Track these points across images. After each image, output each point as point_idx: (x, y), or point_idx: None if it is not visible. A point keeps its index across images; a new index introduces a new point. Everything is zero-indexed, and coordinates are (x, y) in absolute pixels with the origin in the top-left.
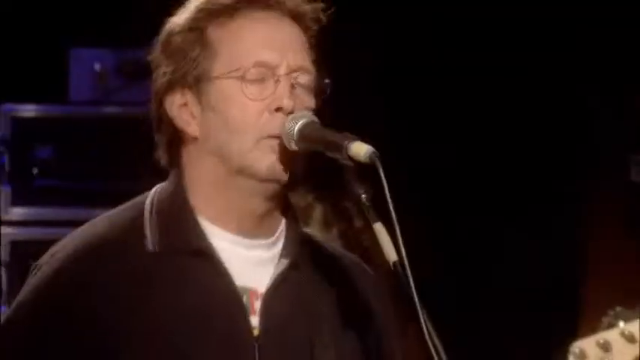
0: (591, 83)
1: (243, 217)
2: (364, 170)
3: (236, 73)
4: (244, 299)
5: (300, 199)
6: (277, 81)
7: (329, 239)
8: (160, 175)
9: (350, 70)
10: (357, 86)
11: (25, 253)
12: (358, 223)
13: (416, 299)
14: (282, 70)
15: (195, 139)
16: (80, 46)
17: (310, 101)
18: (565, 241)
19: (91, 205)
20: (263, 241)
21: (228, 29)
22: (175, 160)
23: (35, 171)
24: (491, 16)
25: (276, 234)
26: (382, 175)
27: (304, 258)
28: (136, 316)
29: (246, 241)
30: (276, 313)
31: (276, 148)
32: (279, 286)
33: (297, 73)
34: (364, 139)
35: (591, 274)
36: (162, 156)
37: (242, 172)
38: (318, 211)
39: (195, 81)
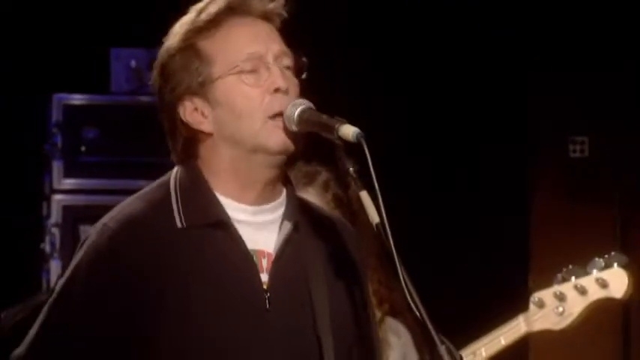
0: (535, 72)
1: (254, 188)
2: (352, 148)
3: (234, 69)
4: (255, 259)
5: (307, 165)
6: (268, 68)
7: (324, 199)
8: None
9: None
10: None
11: (73, 216)
12: (351, 192)
13: (395, 255)
14: (269, 58)
15: (209, 134)
16: (119, 46)
17: (295, 79)
18: (515, 208)
19: (128, 177)
20: (269, 206)
21: (218, 38)
22: (192, 154)
23: (83, 149)
24: None
25: (278, 200)
26: (367, 151)
27: (303, 220)
28: (169, 278)
29: (255, 208)
30: (282, 270)
31: (281, 125)
32: (285, 246)
33: (282, 59)
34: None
35: (538, 236)
36: (176, 155)
37: (256, 150)
38: (321, 177)
39: (200, 87)
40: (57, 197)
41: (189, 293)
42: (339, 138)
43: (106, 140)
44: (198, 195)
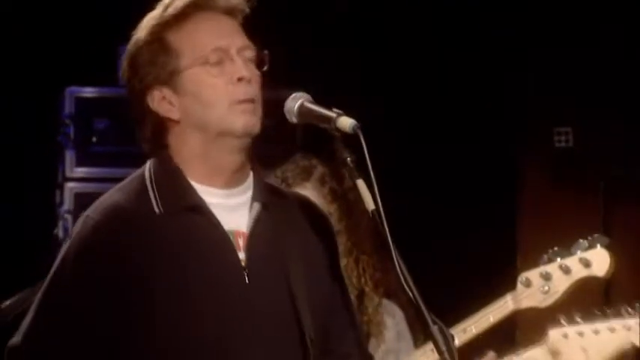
0: (524, 67)
1: (223, 173)
2: (349, 139)
3: (200, 60)
4: (232, 239)
5: (304, 160)
6: (232, 59)
7: (321, 193)
8: None
9: None
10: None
11: (85, 203)
12: (347, 183)
13: (389, 240)
14: (233, 51)
15: (177, 122)
16: (126, 43)
17: (256, 71)
18: (504, 196)
19: (136, 166)
20: (238, 189)
21: (184, 32)
22: (161, 144)
23: (94, 139)
24: None
25: (246, 183)
26: (363, 142)
27: (270, 200)
28: (153, 260)
29: (226, 191)
30: (256, 247)
31: (245, 110)
32: (257, 225)
33: (245, 51)
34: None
35: (526, 221)
36: (145, 144)
37: (223, 134)
38: (317, 172)
39: (168, 78)
40: (69, 185)
41: (173, 273)
42: (337, 129)
43: (116, 131)
44: (171, 182)
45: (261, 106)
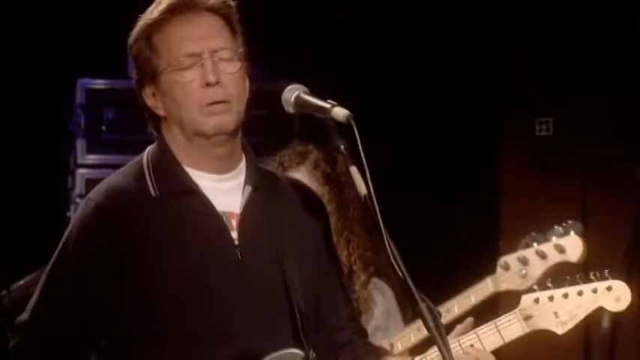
0: (507, 61)
1: (211, 162)
2: (343, 128)
3: (174, 66)
4: (224, 219)
5: (300, 146)
6: (202, 64)
7: (314, 176)
8: None
9: None
10: None
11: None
12: (339, 168)
13: (380, 222)
14: (206, 55)
15: (164, 117)
16: None
17: (234, 67)
18: (488, 182)
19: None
20: (230, 174)
21: (165, 32)
22: (158, 131)
23: (103, 128)
24: None
25: (238, 168)
26: (356, 131)
27: (263, 182)
28: (151, 238)
29: (218, 176)
30: (248, 227)
31: (214, 111)
32: (249, 206)
33: (218, 53)
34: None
35: (508, 206)
36: (150, 128)
37: (196, 134)
38: (312, 156)
39: (152, 77)
40: (81, 171)
41: (169, 250)
42: (331, 119)
43: (124, 120)
44: (167, 167)
45: (245, 99)
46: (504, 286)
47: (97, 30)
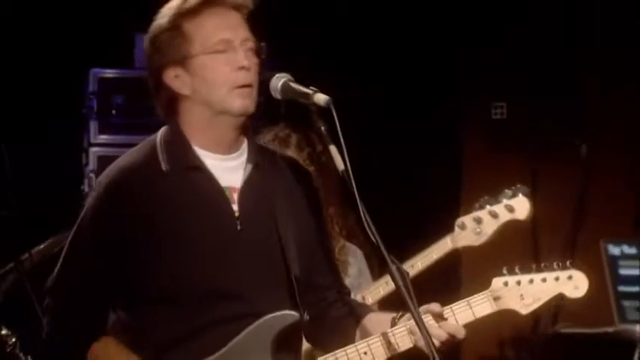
0: (463, 49)
1: (221, 142)
2: (324, 111)
3: (208, 49)
4: (227, 193)
5: (281, 131)
6: (235, 50)
7: (301, 158)
8: None
9: None
10: None
11: (106, 164)
12: (319, 147)
13: (356, 194)
14: (237, 42)
15: (187, 96)
16: (141, 32)
17: (255, 59)
18: (451, 160)
19: (147, 133)
20: (234, 154)
21: (198, 23)
22: (173, 112)
23: (113, 112)
24: None
25: (241, 148)
26: (335, 114)
27: (263, 161)
28: (160, 209)
29: (223, 156)
30: (247, 200)
31: (243, 94)
32: (249, 182)
33: (246, 42)
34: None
35: (468, 180)
36: (160, 111)
37: (223, 112)
38: (293, 139)
39: (181, 60)
40: (93, 149)
41: (176, 220)
42: (313, 104)
43: (131, 105)
44: (178, 145)
45: (257, 90)
46: (462, 242)
47: (109, 26)
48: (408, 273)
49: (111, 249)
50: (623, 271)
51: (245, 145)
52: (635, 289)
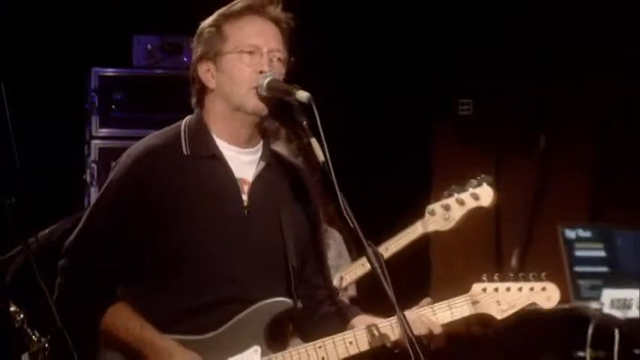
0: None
1: (238, 135)
2: (305, 108)
3: (238, 49)
4: (239, 184)
5: (271, 124)
6: (262, 55)
7: (290, 149)
8: (182, 110)
9: None
10: None
11: (106, 155)
12: (305, 140)
13: (335, 182)
14: (265, 50)
15: (213, 90)
16: (139, 34)
17: (282, 69)
18: (422, 151)
19: (145, 127)
20: (249, 150)
21: (235, 26)
22: (200, 102)
23: (113, 107)
24: None
25: (257, 147)
26: (315, 110)
27: (274, 162)
28: (178, 189)
29: (240, 149)
30: (256, 193)
31: (259, 95)
32: (260, 177)
33: (274, 52)
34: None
35: (438, 170)
36: (193, 100)
37: (239, 109)
38: (283, 132)
39: (214, 56)
40: (95, 142)
41: (190, 201)
42: (296, 100)
43: (129, 101)
44: (200, 134)
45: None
46: (431, 227)
47: (109, 29)
48: (382, 255)
49: (130, 217)
50: (578, 253)
51: (260, 145)
52: (589, 269)
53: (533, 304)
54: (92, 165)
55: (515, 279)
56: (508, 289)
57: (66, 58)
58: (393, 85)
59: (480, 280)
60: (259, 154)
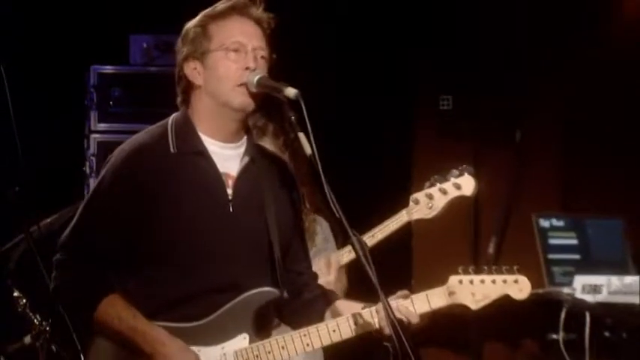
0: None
1: (223, 131)
2: (294, 104)
3: (223, 47)
4: (223, 178)
5: (259, 120)
6: (246, 53)
7: (277, 145)
8: (176, 105)
9: None
10: None
11: (105, 149)
12: (292, 135)
13: (322, 174)
14: (249, 47)
15: (199, 86)
16: (135, 33)
17: (265, 66)
18: (403, 144)
19: (141, 122)
20: (234, 145)
21: (220, 25)
22: (186, 100)
23: (111, 103)
24: None
25: (240, 142)
26: (303, 106)
27: (258, 157)
28: (165, 185)
29: (224, 144)
30: (240, 187)
31: (245, 92)
32: (244, 172)
33: (258, 50)
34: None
35: (419, 161)
36: (178, 99)
37: (225, 105)
38: (270, 128)
39: (201, 54)
40: (94, 136)
41: (177, 196)
42: (284, 96)
43: (127, 97)
44: (186, 131)
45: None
46: (416, 216)
47: (107, 28)
48: (366, 243)
49: (121, 212)
50: (552, 241)
51: (244, 140)
52: (562, 256)
53: (507, 295)
54: (91, 158)
55: (490, 272)
56: (482, 282)
57: (67, 57)
58: (377, 81)
59: (456, 273)
60: (243, 148)
